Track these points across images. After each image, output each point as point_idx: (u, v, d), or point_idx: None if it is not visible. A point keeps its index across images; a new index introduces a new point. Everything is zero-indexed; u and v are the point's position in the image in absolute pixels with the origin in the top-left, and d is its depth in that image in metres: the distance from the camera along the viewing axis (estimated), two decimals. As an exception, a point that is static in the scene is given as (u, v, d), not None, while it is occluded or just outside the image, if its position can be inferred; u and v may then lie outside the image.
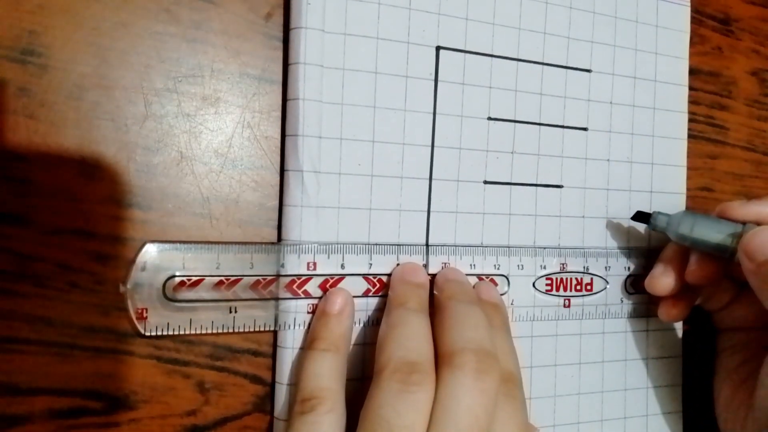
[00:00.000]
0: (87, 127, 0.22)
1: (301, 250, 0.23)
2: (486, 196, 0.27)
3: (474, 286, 0.26)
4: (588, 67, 0.29)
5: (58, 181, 0.21)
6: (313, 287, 0.23)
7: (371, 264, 0.24)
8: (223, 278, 0.22)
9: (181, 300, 0.22)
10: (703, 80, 0.33)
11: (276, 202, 0.24)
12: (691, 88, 0.31)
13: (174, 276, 0.22)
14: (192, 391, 0.23)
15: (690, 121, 0.31)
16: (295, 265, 0.23)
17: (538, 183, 0.28)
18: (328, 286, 0.24)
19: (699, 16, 0.33)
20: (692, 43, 0.32)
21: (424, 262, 0.25)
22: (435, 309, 0.23)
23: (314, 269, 0.23)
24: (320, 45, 0.23)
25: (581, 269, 0.28)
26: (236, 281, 0.23)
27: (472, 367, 0.20)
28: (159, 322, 0.22)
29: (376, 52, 0.25)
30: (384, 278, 0.25)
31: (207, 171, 0.23)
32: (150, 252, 0.22)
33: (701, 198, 0.33)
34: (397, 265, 0.25)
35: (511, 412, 0.21)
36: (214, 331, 0.22)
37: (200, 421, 0.23)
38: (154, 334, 0.22)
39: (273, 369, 0.24)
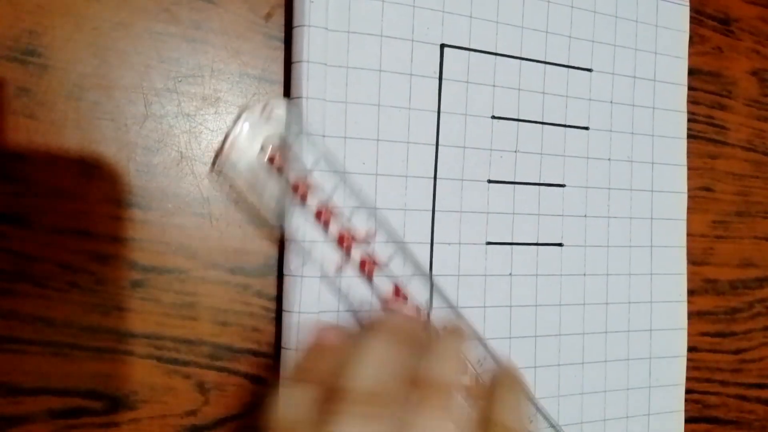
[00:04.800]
0: (87, 127, 0.22)
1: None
2: (490, 195, 0.27)
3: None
4: (589, 67, 0.29)
5: (58, 181, 0.21)
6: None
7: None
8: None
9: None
10: (703, 80, 0.33)
11: (277, 202, 0.24)
12: (691, 88, 0.31)
13: None
14: (192, 391, 0.23)
15: (690, 120, 0.31)
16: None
17: (541, 182, 0.28)
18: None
19: (699, 16, 0.33)
20: (692, 43, 0.32)
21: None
22: None
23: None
24: (323, 43, 0.23)
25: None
26: None
27: None
28: None
29: (380, 50, 0.25)
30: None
31: (207, 171, 0.23)
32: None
33: (701, 198, 0.32)
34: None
35: None
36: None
37: (200, 421, 0.23)
38: None
39: (273, 369, 0.24)
